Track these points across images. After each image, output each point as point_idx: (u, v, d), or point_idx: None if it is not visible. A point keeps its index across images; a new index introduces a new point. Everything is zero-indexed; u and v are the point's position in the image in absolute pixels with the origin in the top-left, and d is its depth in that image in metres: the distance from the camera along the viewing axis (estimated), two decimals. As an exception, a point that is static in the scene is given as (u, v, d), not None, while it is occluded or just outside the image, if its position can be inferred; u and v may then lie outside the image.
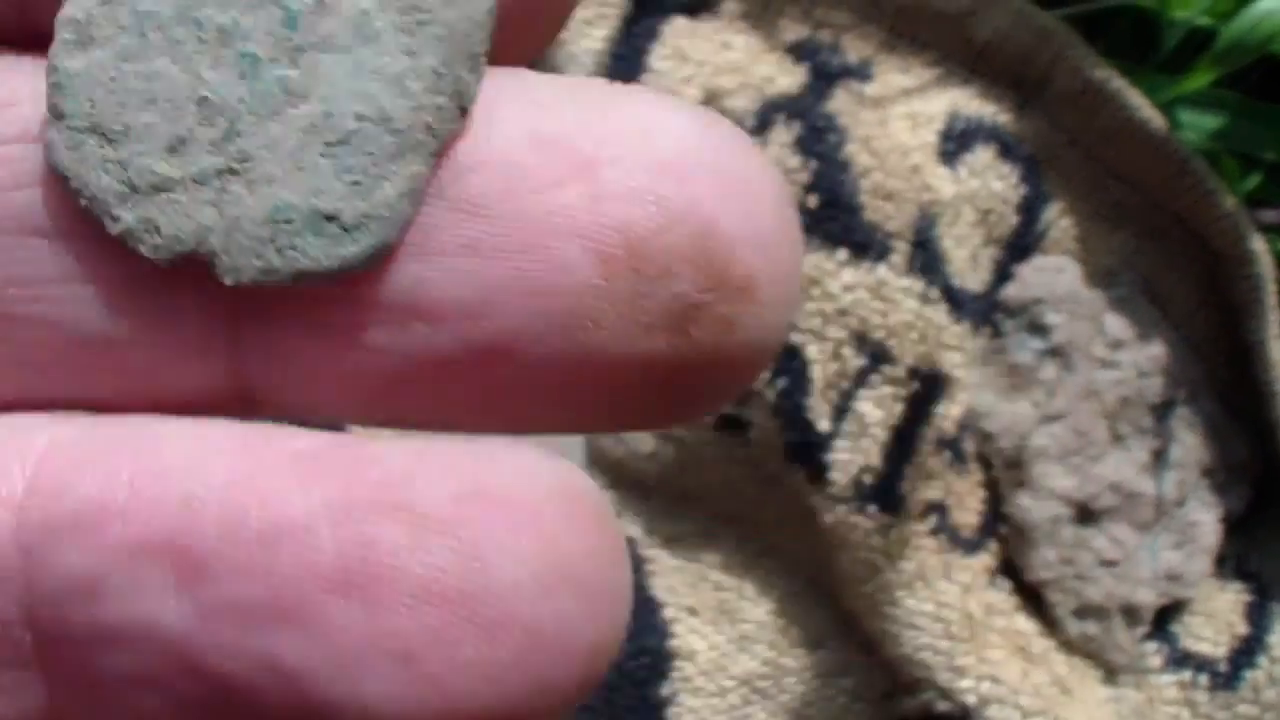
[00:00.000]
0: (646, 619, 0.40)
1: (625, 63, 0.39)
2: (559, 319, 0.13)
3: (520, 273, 0.13)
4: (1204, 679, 0.41)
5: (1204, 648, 0.42)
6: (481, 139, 0.14)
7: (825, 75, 0.39)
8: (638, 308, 0.13)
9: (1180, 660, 0.41)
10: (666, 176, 0.13)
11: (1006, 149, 0.40)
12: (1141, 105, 0.40)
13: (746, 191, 0.13)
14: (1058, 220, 0.41)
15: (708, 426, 0.40)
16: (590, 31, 0.40)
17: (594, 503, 0.13)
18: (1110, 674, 0.41)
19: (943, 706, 0.39)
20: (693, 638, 0.41)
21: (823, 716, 0.41)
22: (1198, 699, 0.41)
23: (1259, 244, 0.40)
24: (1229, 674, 0.41)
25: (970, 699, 0.39)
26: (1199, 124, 0.43)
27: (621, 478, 0.42)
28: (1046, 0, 0.42)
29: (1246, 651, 0.41)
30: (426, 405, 0.14)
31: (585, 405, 0.14)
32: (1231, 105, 0.43)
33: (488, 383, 0.14)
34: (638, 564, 0.41)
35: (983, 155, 0.40)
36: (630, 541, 0.42)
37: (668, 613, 0.41)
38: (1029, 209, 0.41)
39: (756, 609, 0.41)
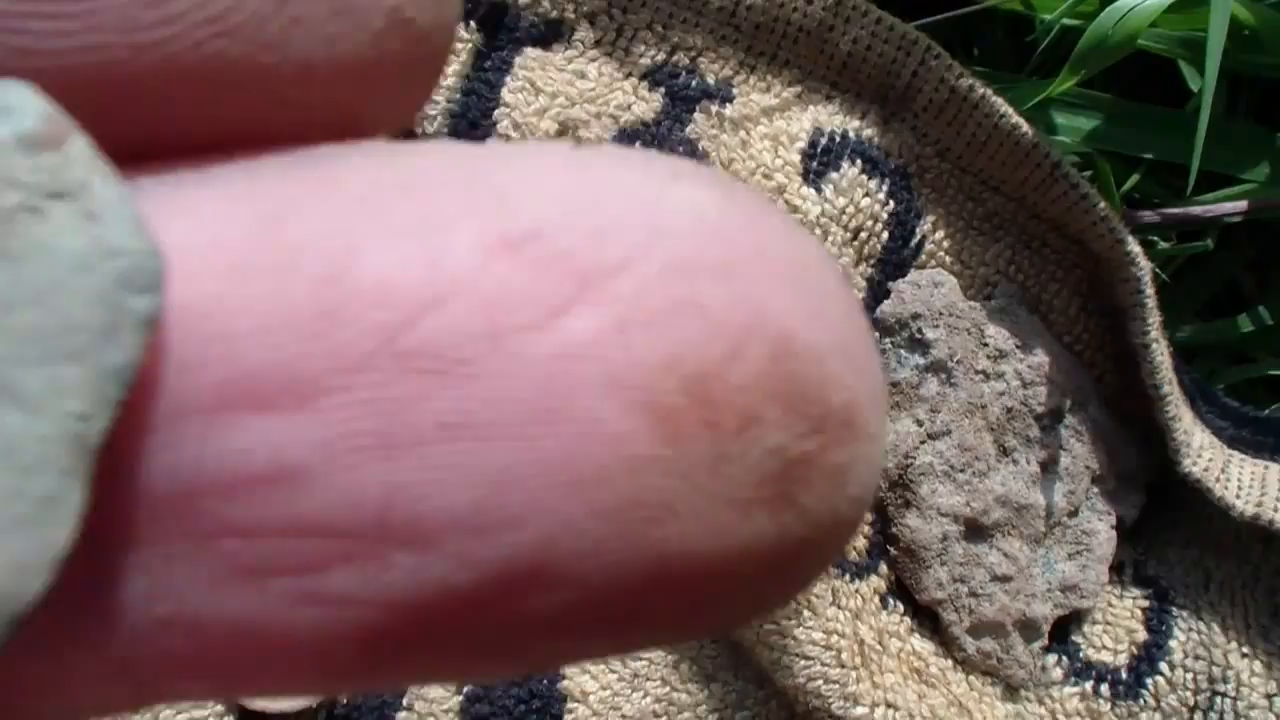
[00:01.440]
0: (532, 664, 0.39)
1: (477, 98, 0.38)
2: (613, 515, 0.09)
3: (539, 454, 0.09)
4: (1105, 689, 0.40)
5: (1105, 657, 0.40)
6: (425, 259, 0.09)
7: (683, 99, 0.38)
8: (723, 479, 0.09)
9: (1081, 671, 0.40)
10: (703, 275, 0.09)
11: (874, 164, 0.39)
12: (1009, 113, 0.38)
13: (807, 279, 0.09)
14: (932, 233, 0.40)
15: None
16: (442, 67, 0.38)
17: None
18: (1010, 690, 0.40)
19: (841, 734, 0.38)
20: (584, 678, 0.39)
21: (723, 749, 0.39)
22: (1100, 709, 0.40)
23: (1135, 246, 0.38)
24: (1131, 682, 0.40)
25: (867, 725, 0.38)
26: (1074, 126, 0.42)
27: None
28: (915, 7, 0.41)
29: (1147, 659, 0.40)
30: (421, 660, 0.10)
31: (659, 623, 0.10)
32: (1105, 106, 0.42)
33: (516, 619, 0.09)
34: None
35: (849, 172, 0.39)
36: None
37: (553, 656, 0.39)
38: (901, 224, 0.39)
39: (643, 647, 0.40)
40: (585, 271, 0.09)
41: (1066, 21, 0.40)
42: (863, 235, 0.39)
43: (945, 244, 0.40)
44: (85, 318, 0.09)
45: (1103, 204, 0.38)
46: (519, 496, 0.09)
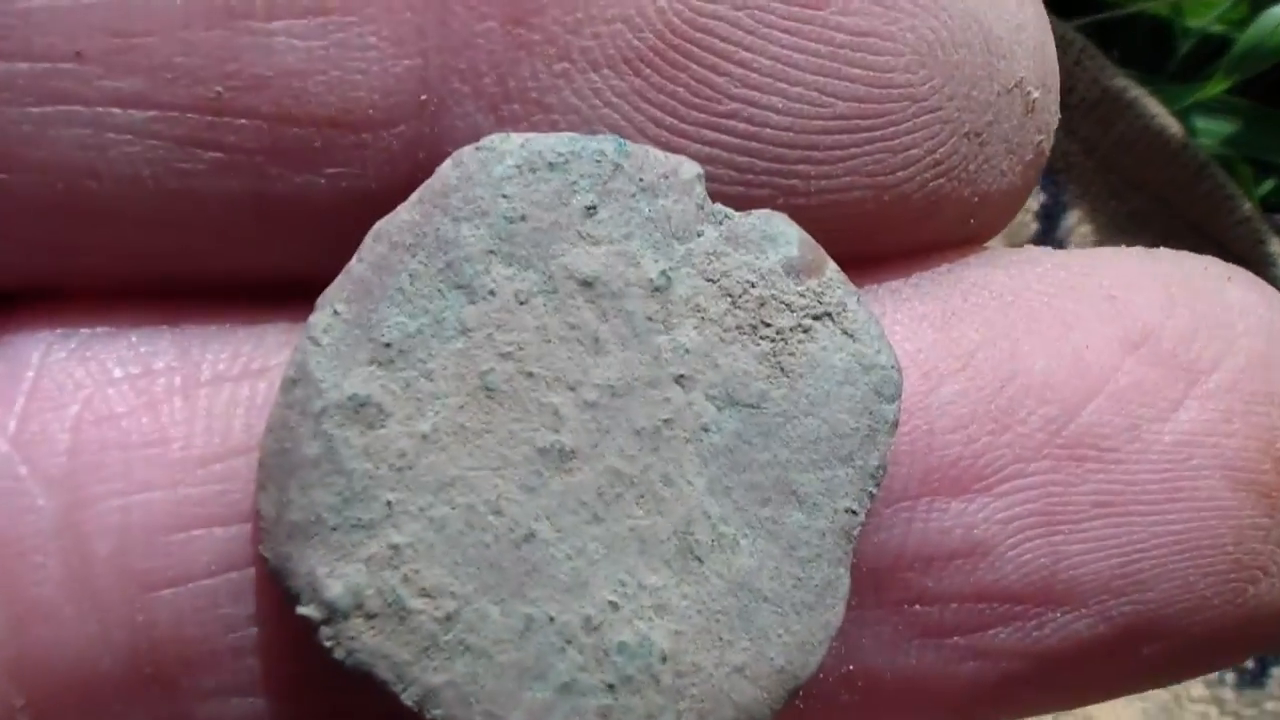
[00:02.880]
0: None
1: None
2: (1223, 577, 0.10)
3: (1168, 526, 0.10)
4: (1231, 676, 0.40)
5: (1229, 646, 0.41)
6: (1073, 360, 0.11)
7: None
8: None
9: (1206, 659, 0.41)
10: (1272, 367, 0.11)
11: (1027, 159, 0.40)
12: (1159, 113, 0.39)
13: None
14: (1076, 228, 0.41)
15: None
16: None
17: None
18: (1138, 674, 0.41)
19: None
20: None
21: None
22: (1225, 696, 0.41)
23: (1276, 246, 0.39)
24: (1256, 671, 0.41)
25: (1002, 702, 0.38)
26: (1214, 130, 0.42)
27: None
28: (1064, 8, 0.41)
29: (1271, 649, 0.41)
30: (1035, 700, 0.11)
31: (1227, 662, 0.12)
32: (1245, 112, 0.42)
33: (1124, 664, 0.11)
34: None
35: (1003, 166, 0.39)
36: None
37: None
38: (1048, 217, 0.40)
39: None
40: (1189, 368, 0.11)
41: (1211, 28, 0.41)
42: (1012, 225, 0.40)
43: (1089, 239, 0.41)
44: (851, 425, 0.10)
45: (1247, 205, 0.39)
46: (1150, 562, 0.10)
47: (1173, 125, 0.39)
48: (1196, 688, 0.41)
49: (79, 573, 0.10)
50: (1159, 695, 0.41)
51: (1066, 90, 0.39)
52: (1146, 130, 0.39)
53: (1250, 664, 0.41)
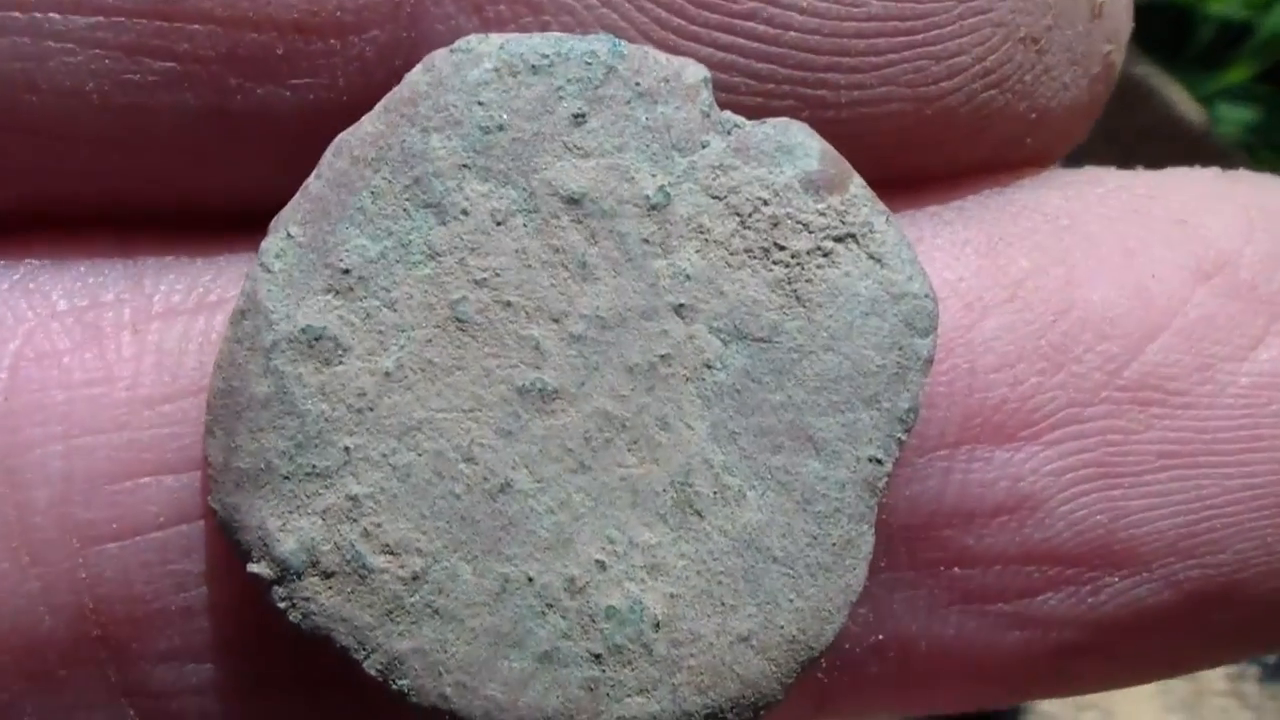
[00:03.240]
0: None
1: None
2: None
3: (1245, 479, 0.09)
4: (1253, 670, 0.40)
5: (1252, 640, 0.40)
6: (1136, 290, 0.10)
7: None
8: None
9: (1228, 653, 0.40)
10: None
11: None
12: (1180, 101, 0.38)
13: None
14: (1097, 217, 0.40)
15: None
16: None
17: None
18: (1159, 667, 0.40)
19: (993, 703, 0.38)
20: None
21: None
22: (1246, 690, 0.40)
23: (1300, 236, 0.38)
24: (1278, 665, 0.40)
25: (1020, 695, 0.38)
26: (1236, 118, 0.42)
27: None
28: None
29: (1295, 644, 0.40)
30: (1096, 673, 0.10)
31: None
32: (1268, 99, 0.42)
33: (1192, 634, 0.10)
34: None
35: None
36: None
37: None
38: (1069, 206, 0.40)
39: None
40: (1270, 300, 0.10)
41: (1234, 14, 0.41)
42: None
43: (1110, 228, 0.40)
44: (878, 361, 0.09)
45: (1270, 193, 0.39)
46: (1223, 520, 0.09)
47: (1194, 113, 0.39)
48: (1219, 681, 0.40)
49: (16, 524, 0.09)
50: (1181, 689, 0.40)
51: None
52: (1168, 118, 0.39)
53: (1273, 659, 0.40)
